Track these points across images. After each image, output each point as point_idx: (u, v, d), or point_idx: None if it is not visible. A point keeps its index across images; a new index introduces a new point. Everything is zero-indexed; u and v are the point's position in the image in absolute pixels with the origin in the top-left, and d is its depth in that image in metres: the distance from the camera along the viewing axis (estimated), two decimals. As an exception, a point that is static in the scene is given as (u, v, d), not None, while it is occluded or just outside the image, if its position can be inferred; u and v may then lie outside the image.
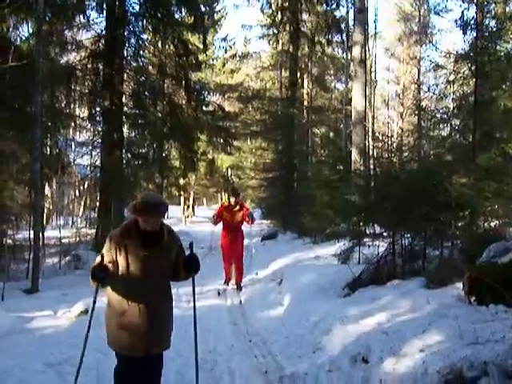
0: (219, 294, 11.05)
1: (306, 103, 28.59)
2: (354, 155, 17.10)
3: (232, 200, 11.42)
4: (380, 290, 8.17)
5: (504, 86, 11.66)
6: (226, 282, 11.72)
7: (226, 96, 33.01)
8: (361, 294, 8.31)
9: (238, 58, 34.46)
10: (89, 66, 19.11)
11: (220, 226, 11.88)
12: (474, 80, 10.80)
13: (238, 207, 11.39)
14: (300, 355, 6.32)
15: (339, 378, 5.39)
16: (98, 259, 4.11)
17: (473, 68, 10.90)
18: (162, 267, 4.20)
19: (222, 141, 26.55)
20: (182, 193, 31.84)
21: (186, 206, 36.24)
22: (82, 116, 21.59)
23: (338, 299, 8.63)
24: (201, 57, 24.57)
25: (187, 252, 4.35)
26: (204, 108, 25.34)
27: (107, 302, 4.26)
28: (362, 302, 7.55)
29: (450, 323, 5.48)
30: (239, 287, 11.53)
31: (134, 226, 4.12)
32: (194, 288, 4.64)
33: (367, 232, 11.02)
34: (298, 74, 28.19)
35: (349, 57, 26.45)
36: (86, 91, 19.40)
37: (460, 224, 9.64)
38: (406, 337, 5.45)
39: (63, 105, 19.31)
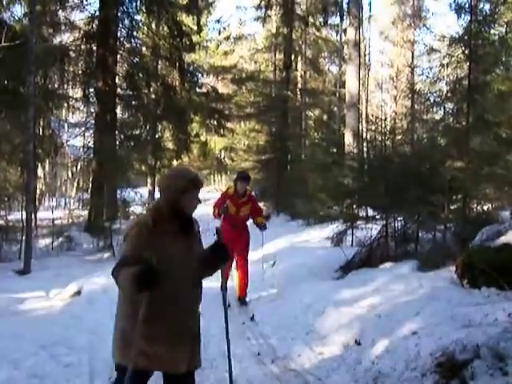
0: (230, 306, 7.70)
1: (299, 85, 28.47)
2: (348, 138, 17.09)
3: (240, 187, 8.48)
4: (373, 272, 8.21)
5: (497, 70, 11.63)
6: (224, 286, 8.10)
7: (219, 78, 32.72)
8: (354, 277, 8.35)
9: (232, 40, 34.07)
10: (82, 46, 18.97)
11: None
12: (467, 63, 10.75)
13: (245, 198, 8.57)
14: (293, 337, 6.34)
15: (332, 360, 5.43)
16: (128, 252, 3.21)
17: (467, 51, 10.86)
18: (196, 257, 3.42)
19: (215, 123, 26.41)
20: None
21: (178, 188, 36.11)
22: (75, 97, 21.43)
23: (330, 281, 8.66)
24: (195, 38, 24.36)
25: (210, 240, 3.59)
26: (197, 90, 25.17)
27: (126, 305, 3.29)
28: (355, 285, 7.59)
29: (442, 306, 5.52)
30: (243, 301, 8.56)
31: (166, 209, 3.28)
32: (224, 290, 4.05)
33: (360, 215, 11.05)
34: (292, 57, 28.04)
35: (343, 39, 26.35)
36: (80, 72, 19.27)
37: (453, 207, 9.68)
38: (399, 319, 5.48)
39: (56, 85, 19.18)
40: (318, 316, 6.72)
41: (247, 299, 8.66)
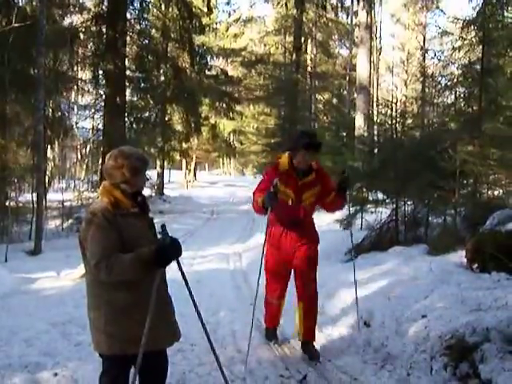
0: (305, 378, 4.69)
1: (309, 69, 28.35)
2: (358, 121, 17.00)
3: (303, 159, 4.99)
4: (382, 256, 8.22)
5: (511, 53, 11.52)
6: (270, 331, 5.79)
7: (229, 60, 32.60)
8: (363, 260, 8.36)
9: (241, 22, 33.95)
10: (92, 28, 18.94)
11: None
12: (480, 47, 10.65)
13: (312, 176, 5.10)
14: (302, 319, 6.37)
15: (341, 341, 5.46)
16: (106, 242, 3.09)
17: (480, 34, 10.76)
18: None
19: (224, 105, 26.37)
20: (183, 157, 31.76)
21: (187, 171, 36.20)
22: (84, 79, 21.42)
23: (340, 264, 8.69)
24: (204, 20, 24.30)
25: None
26: (207, 72, 25.14)
27: (108, 299, 3.20)
28: (365, 268, 7.60)
29: (452, 290, 5.52)
30: (311, 349, 5.25)
31: (118, 191, 3.21)
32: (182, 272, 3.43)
33: (370, 198, 11.03)
34: (302, 39, 27.88)
35: (354, 22, 26.12)
36: (89, 54, 19.23)
37: (463, 192, 9.65)
38: (409, 302, 5.49)
39: (66, 67, 19.15)
40: (327, 298, 6.74)
41: (317, 346, 5.30)
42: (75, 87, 20.94)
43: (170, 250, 3.05)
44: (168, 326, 3.34)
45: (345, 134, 16.37)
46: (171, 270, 3.37)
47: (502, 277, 5.83)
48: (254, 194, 5.05)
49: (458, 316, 4.67)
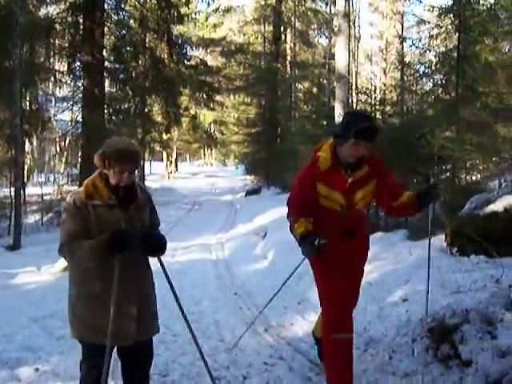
0: None
1: (289, 58, 28.32)
2: (338, 110, 16.99)
3: (352, 150, 3.71)
4: (363, 242, 8.26)
5: (486, 41, 11.62)
6: None
7: (208, 50, 32.44)
8: (345, 247, 8.39)
9: (221, 12, 33.77)
10: (68, 18, 18.59)
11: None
12: (456, 34, 10.74)
13: (365, 170, 3.83)
14: (285, 306, 6.43)
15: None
16: (72, 227, 3.13)
17: (456, 22, 10.84)
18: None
19: (204, 96, 26.26)
20: (164, 148, 31.64)
21: (168, 162, 36.08)
22: (62, 70, 21.14)
23: (322, 252, 8.71)
24: (183, 10, 24.11)
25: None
26: (186, 62, 24.97)
27: (76, 282, 3.24)
28: (346, 255, 7.64)
29: (432, 273, 5.57)
30: None
31: (100, 181, 3.20)
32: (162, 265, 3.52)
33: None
34: (282, 29, 27.85)
35: (333, 11, 26.11)
36: (66, 45, 18.97)
37: (442, 177, 9.73)
38: (390, 287, 5.56)
39: (42, 59, 18.88)
40: (309, 285, 6.77)
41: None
42: (52, 79, 20.65)
43: (126, 235, 3.03)
44: (142, 321, 3.27)
45: (325, 122, 16.35)
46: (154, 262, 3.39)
47: (480, 259, 5.92)
48: (288, 206, 4.01)
49: (438, 299, 4.74)
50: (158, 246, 3.31)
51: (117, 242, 3.01)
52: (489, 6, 11.62)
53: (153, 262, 3.44)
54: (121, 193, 3.19)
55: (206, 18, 34.04)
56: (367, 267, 6.61)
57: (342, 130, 3.74)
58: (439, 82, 12.42)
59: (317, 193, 3.76)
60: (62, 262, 9.53)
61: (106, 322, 3.07)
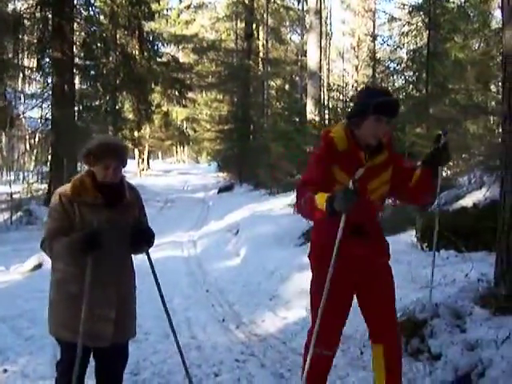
0: None
1: (261, 55, 28.33)
2: (310, 106, 17.10)
3: (374, 128, 3.14)
4: (335, 238, 8.29)
5: (456, 38, 11.75)
6: None
7: (180, 47, 32.30)
8: (316, 243, 8.42)
9: (193, 9, 33.66)
10: (37, 14, 18.32)
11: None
12: (427, 32, 10.84)
13: (385, 155, 3.26)
14: (257, 303, 6.42)
15: (295, 324, 5.50)
16: (54, 224, 3.10)
17: (426, 20, 10.94)
18: (128, 232, 3.16)
19: (176, 93, 26.13)
20: (136, 146, 31.40)
21: (140, 160, 35.81)
22: (31, 67, 20.82)
23: (293, 248, 8.75)
24: (154, 6, 23.96)
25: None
26: (158, 59, 24.83)
27: (55, 281, 3.20)
28: (318, 251, 7.66)
29: (403, 268, 5.63)
30: None
31: (88, 179, 3.13)
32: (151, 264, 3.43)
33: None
34: (254, 26, 27.83)
35: (305, 8, 26.19)
36: (35, 41, 18.68)
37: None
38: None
39: (10, 55, 18.56)
40: (281, 282, 6.80)
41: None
42: (21, 75, 20.34)
43: (98, 235, 2.96)
44: (120, 323, 3.20)
45: (297, 119, 16.42)
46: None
47: (450, 254, 5.99)
48: (299, 187, 3.19)
49: (408, 294, 4.78)
50: (147, 238, 3.25)
51: (88, 241, 2.95)
52: (458, 3, 11.75)
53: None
54: (107, 191, 3.13)
55: (178, 15, 33.90)
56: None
57: (358, 107, 3.25)
58: (410, 79, 12.54)
59: (332, 178, 3.15)
60: (32, 261, 9.41)
61: (86, 322, 3.03)
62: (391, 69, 13.30)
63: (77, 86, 20.28)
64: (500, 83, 5.90)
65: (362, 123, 3.14)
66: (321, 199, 2.88)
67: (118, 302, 3.18)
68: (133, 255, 3.37)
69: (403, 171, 3.31)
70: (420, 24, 11.63)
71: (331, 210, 2.80)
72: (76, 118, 18.93)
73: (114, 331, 3.17)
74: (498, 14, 12.68)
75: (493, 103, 12.02)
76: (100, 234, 2.97)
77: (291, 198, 11.70)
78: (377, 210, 3.45)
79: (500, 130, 5.02)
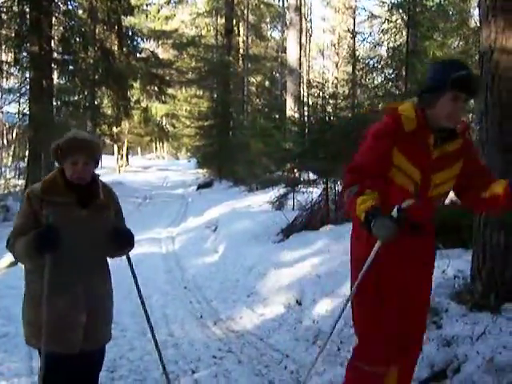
0: None
1: (241, 51, 28.28)
2: (289, 103, 17.14)
3: (447, 108, 2.65)
4: (314, 234, 8.32)
5: (435, 36, 11.84)
6: None
7: (160, 43, 32.09)
8: (295, 239, 8.44)
9: (173, 4, 33.47)
10: (14, 8, 18.04)
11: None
12: (406, 29, 10.90)
13: (459, 141, 2.77)
14: (235, 300, 6.41)
15: (273, 320, 5.50)
16: (19, 222, 2.96)
17: (405, 17, 11.00)
18: (102, 233, 2.99)
19: (155, 89, 25.99)
20: (115, 142, 31.16)
21: (119, 156, 35.55)
22: (8, 61, 20.53)
23: (272, 244, 8.74)
24: (133, 1, 23.82)
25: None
26: (137, 55, 24.68)
27: (26, 286, 3.04)
28: (296, 247, 7.68)
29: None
30: None
31: (60, 178, 2.96)
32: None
33: (301, 179, 11.14)
34: (234, 22, 27.77)
35: (285, 4, 26.21)
36: (12, 35, 18.41)
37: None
38: (339, 279, 5.58)
39: (-14, 49, 18.32)
40: (259, 278, 6.79)
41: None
42: (-2, 70, 20.05)
43: (52, 235, 2.77)
44: (91, 329, 2.99)
45: (277, 116, 16.42)
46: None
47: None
48: (348, 172, 2.73)
49: (385, 290, 4.78)
50: (129, 240, 3.10)
51: (42, 238, 2.77)
52: (438, 1, 11.85)
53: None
54: (79, 190, 2.96)
55: (158, 10, 33.67)
56: (316, 260, 6.73)
57: (432, 81, 2.72)
58: (389, 77, 12.60)
59: (391, 161, 2.68)
60: (8, 258, 9.28)
61: (48, 327, 2.83)
62: (371, 66, 13.37)
63: (55, 81, 20.06)
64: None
65: (438, 101, 2.66)
66: (362, 205, 2.53)
67: (88, 305, 2.97)
68: (108, 258, 3.19)
69: (477, 169, 2.82)
70: (400, 22, 11.70)
71: (367, 230, 2.50)
72: (54, 113, 18.73)
73: (84, 337, 2.96)
74: (476, 12, 12.80)
75: (471, 101, 12.15)
76: (55, 230, 2.78)
77: (270, 194, 11.69)
78: (434, 211, 2.90)
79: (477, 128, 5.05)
